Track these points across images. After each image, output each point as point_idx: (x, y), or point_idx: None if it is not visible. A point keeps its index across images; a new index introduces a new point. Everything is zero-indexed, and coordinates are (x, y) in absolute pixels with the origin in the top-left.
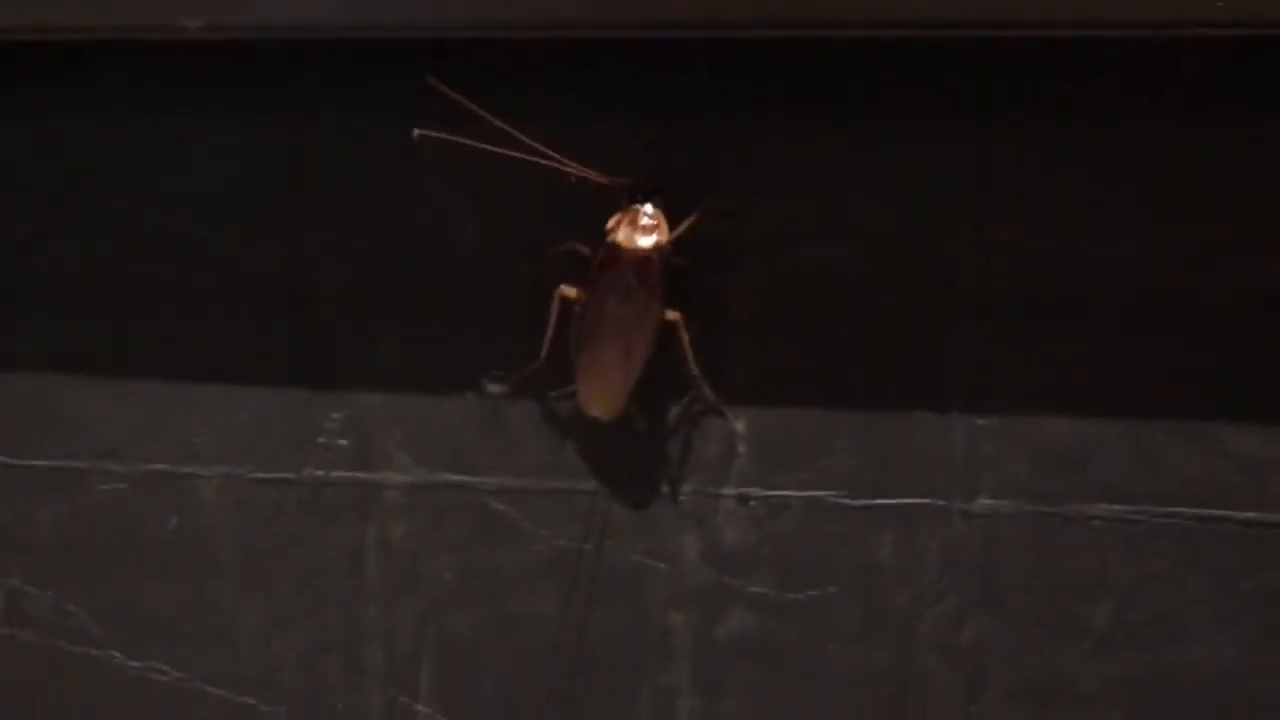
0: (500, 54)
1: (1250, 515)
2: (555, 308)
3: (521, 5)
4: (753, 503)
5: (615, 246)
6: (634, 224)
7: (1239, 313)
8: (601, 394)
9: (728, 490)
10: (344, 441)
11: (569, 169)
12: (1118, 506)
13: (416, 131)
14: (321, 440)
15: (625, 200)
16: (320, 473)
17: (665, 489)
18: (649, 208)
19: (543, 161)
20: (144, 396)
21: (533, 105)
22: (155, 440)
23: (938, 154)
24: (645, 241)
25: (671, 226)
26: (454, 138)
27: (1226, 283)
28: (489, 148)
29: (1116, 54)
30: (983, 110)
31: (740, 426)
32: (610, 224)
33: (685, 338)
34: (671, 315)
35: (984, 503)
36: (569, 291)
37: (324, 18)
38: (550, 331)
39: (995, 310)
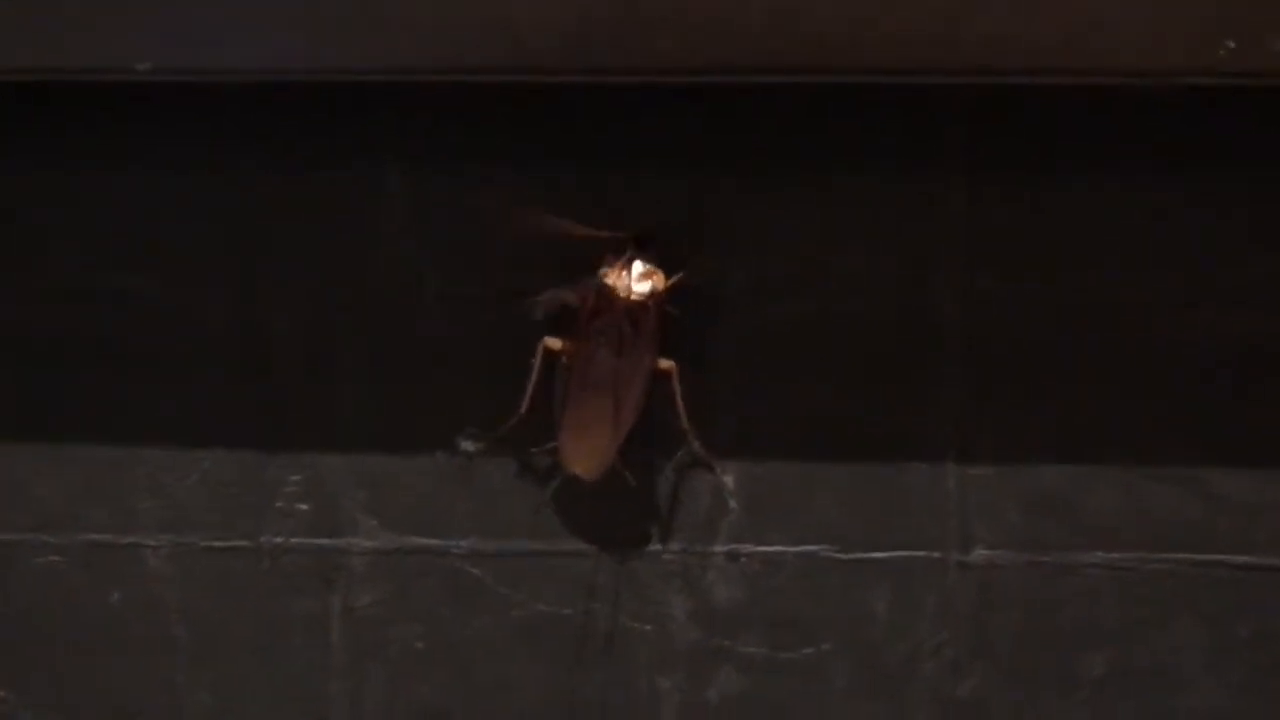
0: (470, 99)
1: (1243, 559)
2: (539, 359)
3: (494, 50)
4: (743, 559)
5: (610, 293)
6: (630, 270)
7: (1226, 359)
8: (588, 451)
9: (717, 547)
10: (304, 505)
11: (579, 231)
12: (1111, 554)
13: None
14: (279, 505)
15: (627, 249)
16: (279, 539)
17: (651, 548)
18: (642, 255)
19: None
20: (81, 461)
21: (499, 152)
22: (94, 509)
23: (924, 204)
24: (643, 288)
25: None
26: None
27: (1214, 330)
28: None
29: (1104, 102)
30: (969, 160)
31: (730, 481)
32: (603, 270)
33: (678, 389)
34: (665, 365)
35: (980, 553)
36: (554, 343)
37: (282, 61)
38: (532, 385)
39: (984, 360)
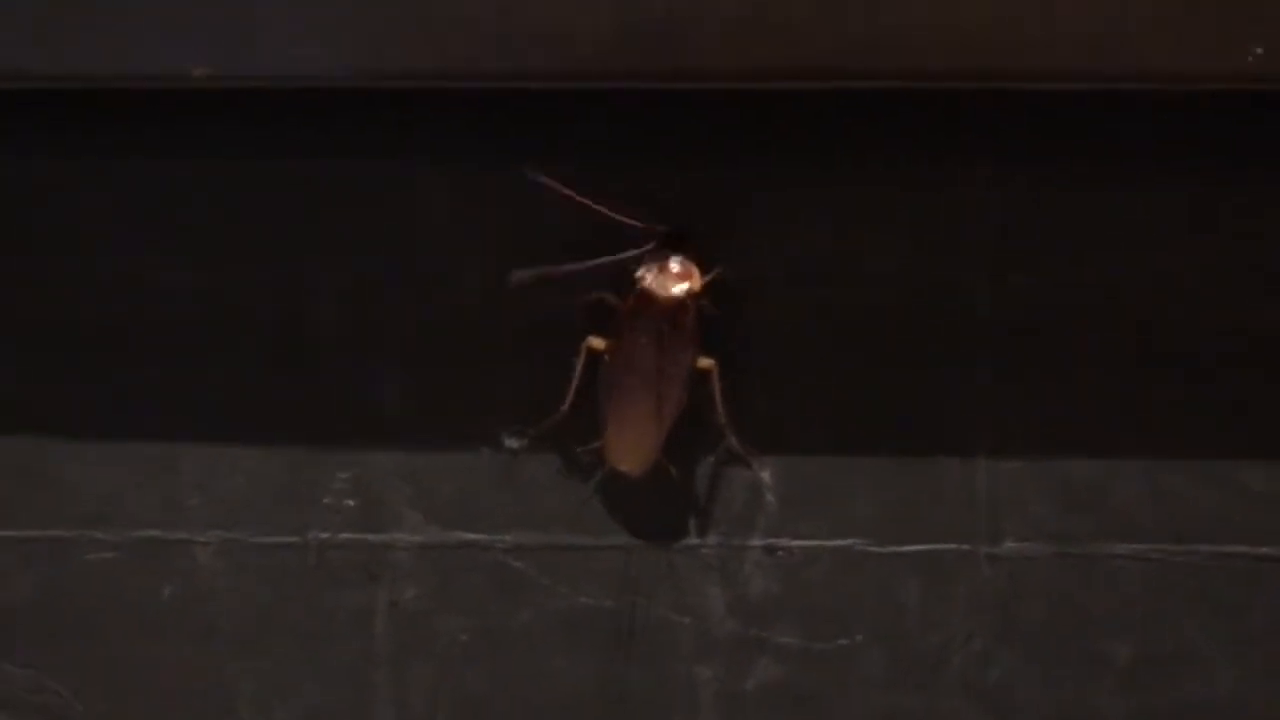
0: (508, 100)
1: (1264, 550)
2: (582, 359)
3: (532, 54)
4: (780, 553)
5: (647, 294)
6: (665, 271)
7: (1251, 351)
8: (633, 447)
9: (754, 541)
10: (350, 501)
11: (620, 218)
12: (1137, 545)
13: (538, 177)
14: (326, 501)
15: (657, 246)
16: (325, 535)
17: (689, 541)
18: (678, 252)
19: (603, 211)
20: (132, 458)
21: (536, 152)
22: (145, 504)
23: (955, 197)
24: (679, 288)
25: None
26: (547, 271)
27: (1238, 323)
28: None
29: (1133, 98)
30: (999, 152)
31: (767, 476)
32: (640, 271)
33: (718, 386)
34: (705, 363)
35: (1009, 545)
36: (597, 343)
37: (328, 68)
38: (575, 382)
39: (1014, 354)
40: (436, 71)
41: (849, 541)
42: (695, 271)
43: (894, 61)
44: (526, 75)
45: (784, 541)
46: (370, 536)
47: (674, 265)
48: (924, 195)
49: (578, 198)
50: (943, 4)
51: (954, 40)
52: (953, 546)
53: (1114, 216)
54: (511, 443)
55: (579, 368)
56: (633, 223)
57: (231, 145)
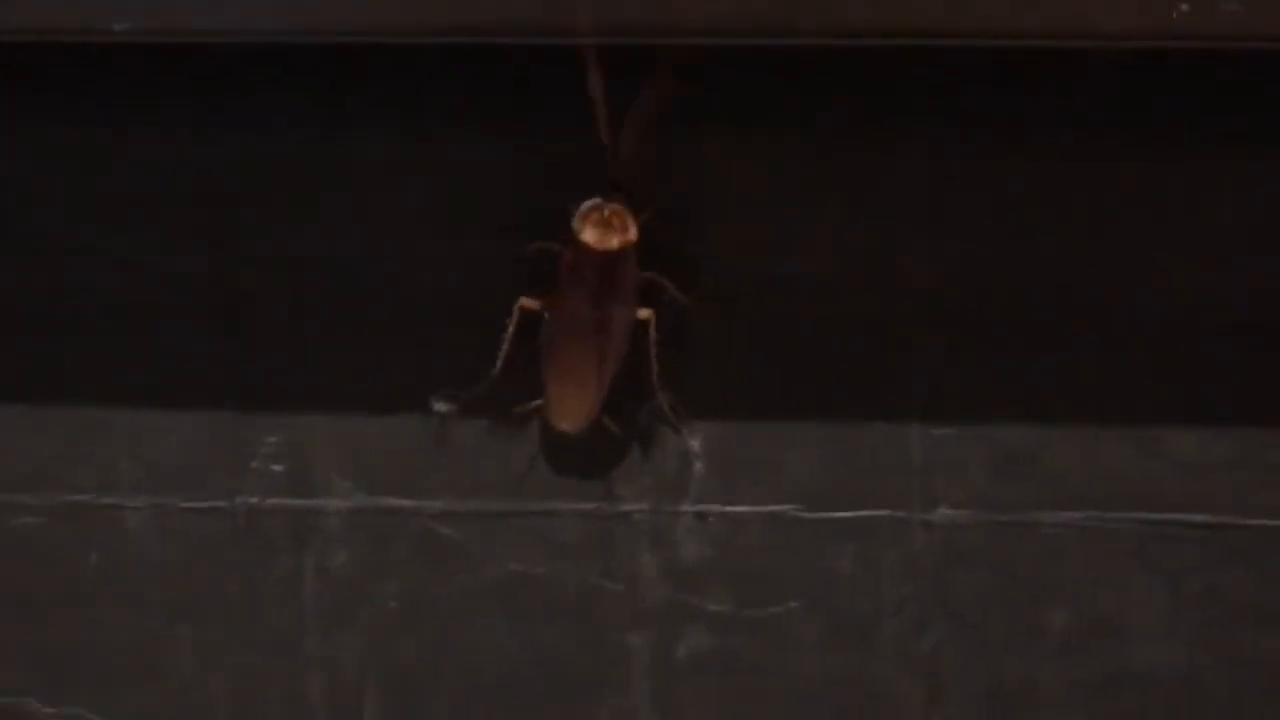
0: (448, 60)
1: (1197, 518)
2: (515, 320)
3: (477, 10)
4: (711, 519)
5: (585, 247)
6: (600, 223)
7: (1183, 320)
8: (574, 405)
9: (685, 507)
10: (279, 466)
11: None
12: (1070, 513)
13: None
14: (255, 465)
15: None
16: (254, 500)
17: (622, 507)
18: (611, 204)
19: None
20: (60, 422)
21: (475, 113)
22: (73, 469)
23: (889, 168)
24: (615, 240)
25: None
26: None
27: (1171, 291)
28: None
29: (1066, 65)
30: (931, 122)
31: (695, 444)
32: (576, 223)
33: (653, 337)
34: (643, 313)
35: (943, 512)
36: (530, 304)
37: (260, 22)
38: (506, 345)
39: (949, 322)
40: (373, 27)
41: (782, 507)
42: (631, 223)
43: (826, 18)
44: (460, 30)
45: (716, 507)
46: (299, 502)
47: (610, 218)
48: (858, 163)
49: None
50: None
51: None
52: (886, 513)
53: (1047, 184)
54: (441, 407)
55: (511, 329)
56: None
57: (161, 108)
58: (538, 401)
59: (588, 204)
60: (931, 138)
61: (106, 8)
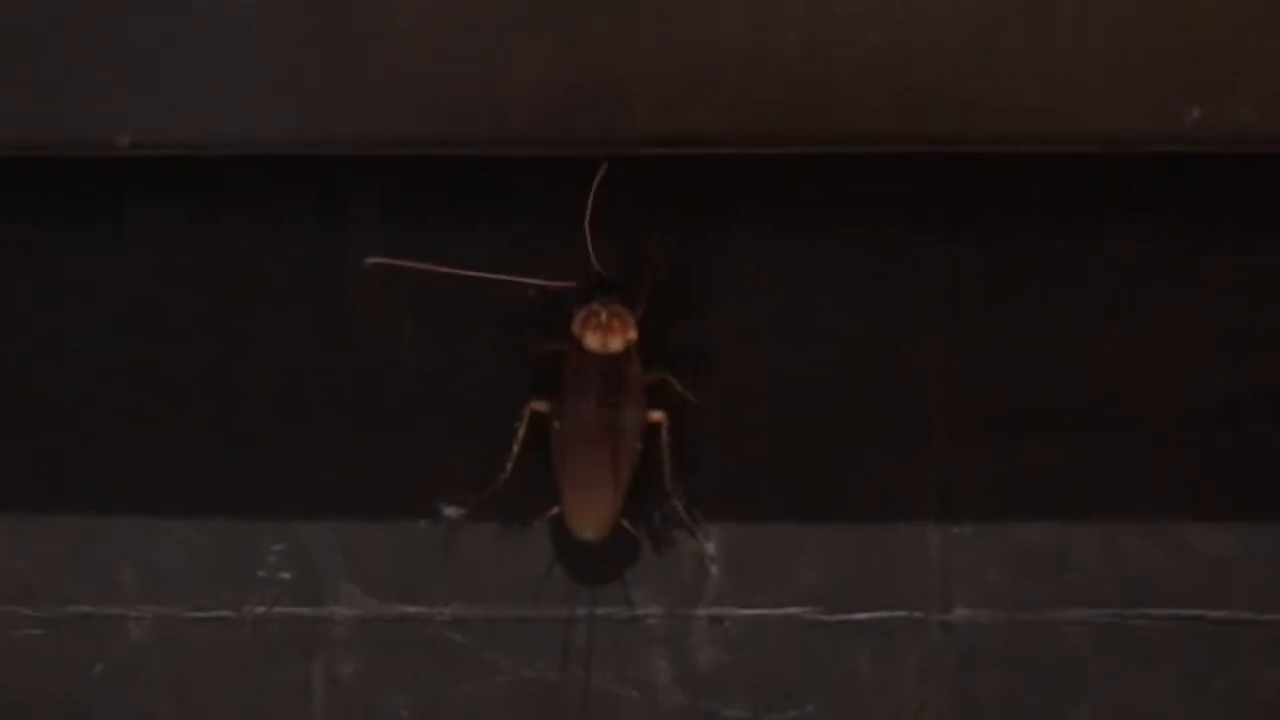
0: (446, 163)
1: (1220, 614)
2: (525, 423)
3: (474, 124)
4: (727, 623)
5: (586, 352)
6: (599, 326)
7: (1201, 417)
8: (593, 512)
9: (700, 611)
10: (286, 574)
11: (524, 282)
12: (1091, 610)
13: (369, 261)
14: (261, 574)
15: (580, 300)
16: (261, 609)
17: (635, 611)
18: (610, 306)
19: (494, 278)
20: (60, 530)
21: (474, 214)
22: (76, 578)
23: (905, 261)
24: (615, 343)
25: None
26: (407, 264)
27: (1189, 384)
28: (441, 269)
29: (1085, 166)
30: (950, 217)
31: (711, 548)
32: (575, 328)
33: (666, 441)
34: (655, 416)
35: (961, 612)
36: (540, 407)
37: (260, 135)
38: (516, 449)
39: (965, 418)
40: (370, 138)
41: (798, 610)
42: (632, 322)
43: (843, 126)
44: (464, 142)
45: (731, 610)
46: (307, 610)
47: (610, 320)
48: (874, 259)
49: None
50: (890, 70)
51: (902, 105)
52: (904, 614)
53: (1064, 279)
54: (450, 512)
55: (521, 432)
56: (550, 285)
57: (159, 214)
58: (555, 509)
59: (586, 308)
60: (948, 231)
61: (111, 123)
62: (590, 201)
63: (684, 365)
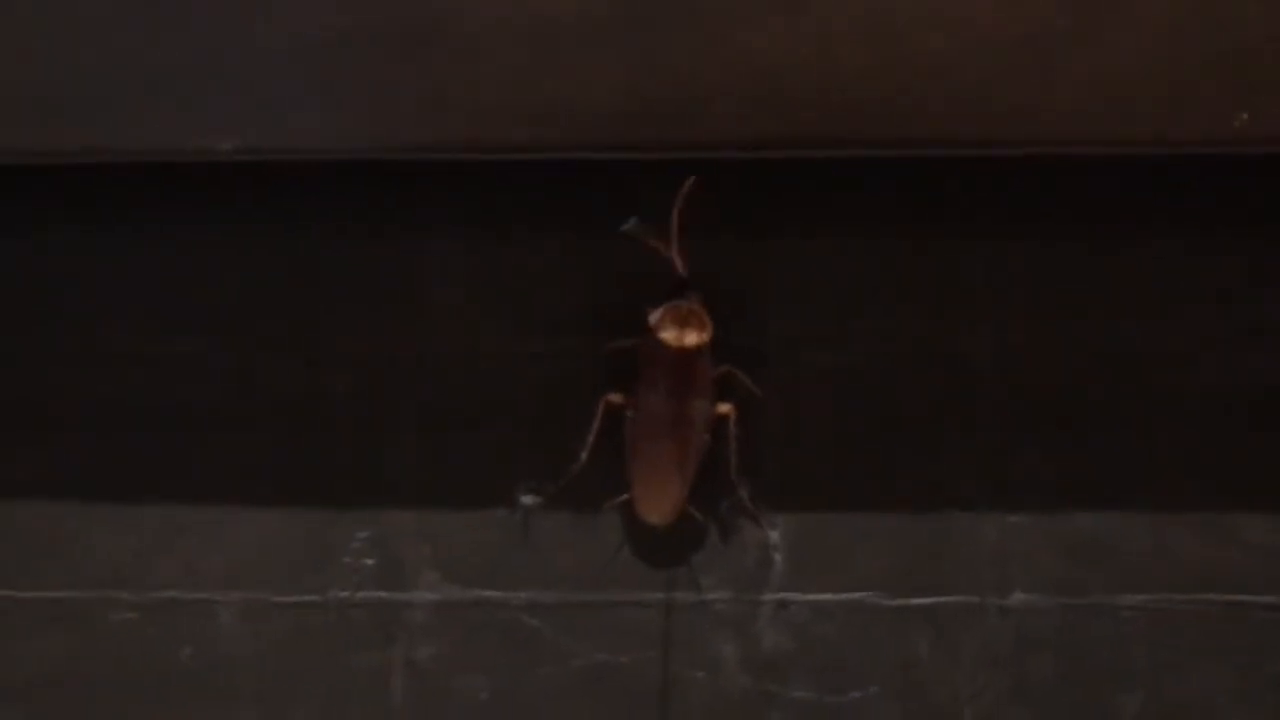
0: (521, 169)
1: (1269, 599)
2: (600, 415)
3: (539, 127)
4: (792, 608)
5: (662, 345)
6: (678, 321)
7: (1250, 403)
8: (660, 499)
9: (766, 596)
10: (369, 560)
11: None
12: (1143, 597)
13: (627, 224)
14: (345, 560)
15: (664, 296)
16: (345, 594)
17: (703, 597)
18: (689, 302)
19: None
20: (152, 520)
21: (546, 216)
22: (166, 565)
23: (957, 258)
24: (692, 338)
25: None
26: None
27: (1237, 374)
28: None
29: (1129, 162)
30: (1000, 216)
31: (775, 536)
32: (652, 321)
33: (733, 433)
34: (723, 408)
35: (1017, 597)
36: (615, 399)
37: (350, 142)
38: (592, 438)
39: (1017, 410)
40: (451, 144)
41: (860, 595)
42: (708, 320)
43: (903, 131)
44: (539, 147)
45: (795, 596)
46: (388, 595)
47: (688, 315)
48: (927, 259)
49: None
50: (947, 75)
51: (959, 110)
52: (961, 599)
53: (1111, 275)
54: (528, 500)
55: (596, 423)
56: (676, 262)
57: (245, 217)
58: (624, 496)
59: (666, 303)
60: (996, 229)
61: (214, 130)
62: (676, 210)
63: (747, 361)
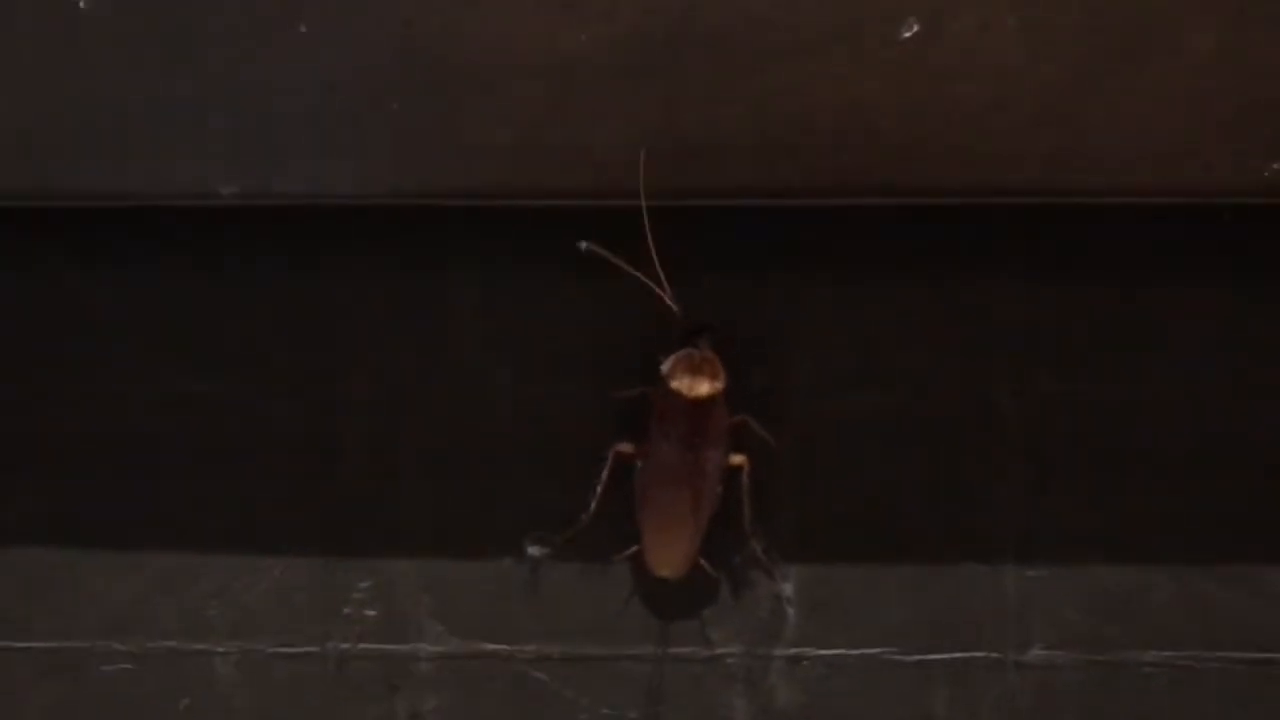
0: (536, 214)
1: None
2: (609, 464)
3: (558, 173)
4: (805, 663)
5: (675, 394)
6: (690, 369)
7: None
8: (672, 552)
9: (778, 651)
10: (371, 611)
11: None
12: (1168, 653)
13: (583, 244)
14: (347, 611)
15: (676, 343)
16: (346, 645)
17: (714, 651)
18: (702, 350)
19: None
20: (150, 567)
21: (563, 258)
22: (164, 614)
23: (980, 305)
24: (705, 388)
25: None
26: (614, 258)
27: (1267, 428)
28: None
29: (1157, 210)
30: (1026, 257)
31: (788, 589)
32: (665, 370)
33: (746, 485)
34: (737, 459)
35: (1037, 653)
36: (626, 449)
37: (353, 186)
38: (600, 489)
39: (1041, 458)
40: (463, 190)
41: (876, 650)
42: (721, 370)
43: (931, 179)
44: (555, 193)
45: (809, 650)
46: (391, 647)
47: (701, 365)
48: (949, 303)
49: (624, 266)
50: (979, 123)
51: (990, 158)
52: (981, 654)
53: (1139, 325)
54: (534, 551)
55: (605, 473)
56: (667, 301)
57: (256, 260)
58: (634, 547)
59: (679, 352)
60: (1023, 278)
61: (215, 173)
62: (651, 252)
63: (763, 408)
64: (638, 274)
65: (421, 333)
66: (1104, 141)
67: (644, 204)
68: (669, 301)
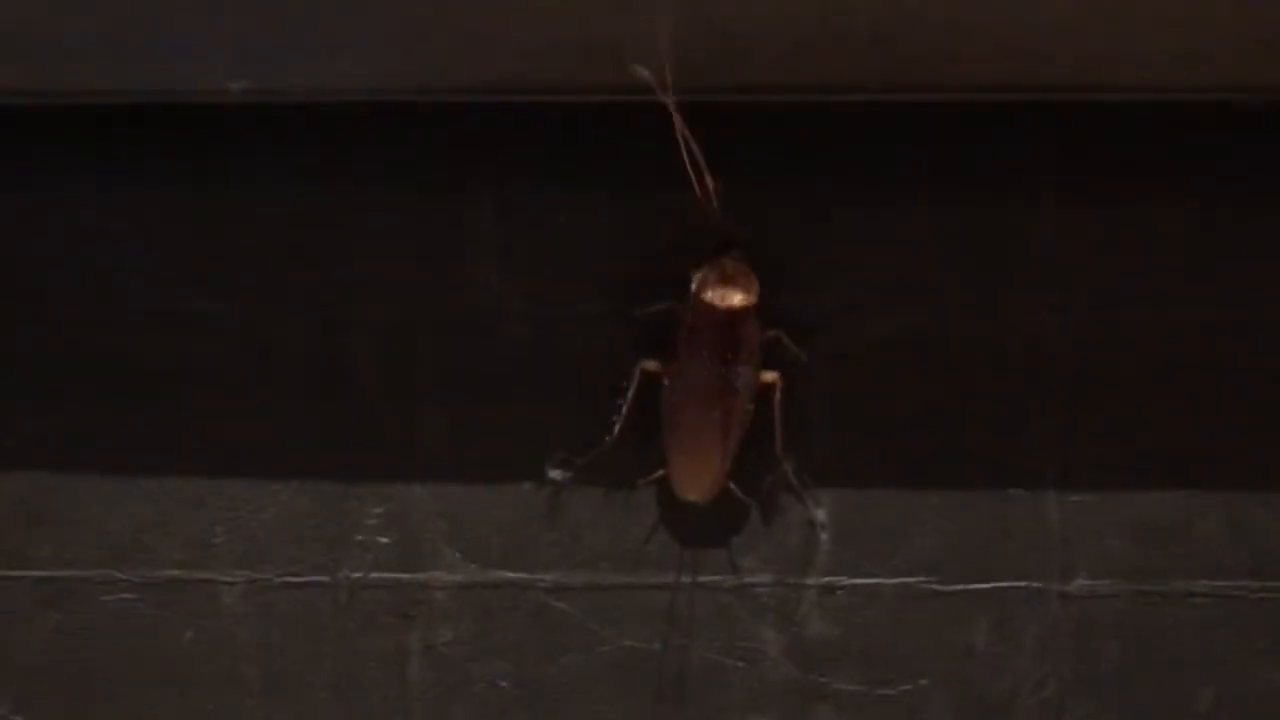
0: (553, 120)
1: None
2: (634, 383)
3: (594, 69)
4: (839, 592)
5: (707, 307)
6: (722, 280)
7: None
8: (700, 474)
9: (811, 580)
10: (384, 539)
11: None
12: (1215, 582)
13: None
14: (359, 538)
15: (711, 256)
16: (358, 574)
17: (743, 580)
18: (734, 261)
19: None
20: (153, 494)
21: (582, 173)
22: (167, 543)
23: (1020, 223)
24: (738, 298)
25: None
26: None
27: None
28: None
29: (1205, 121)
30: (1065, 178)
31: (821, 515)
32: (695, 284)
33: (778, 403)
34: (769, 376)
35: (1081, 583)
36: (652, 366)
37: (372, 82)
38: (625, 409)
39: (1083, 383)
40: (480, 85)
41: (912, 579)
42: (754, 280)
43: (964, 74)
44: (579, 89)
45: (843, 580)
46: (405, 575)
47: (734, 275)
48: (989, 225)
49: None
50: (1013, 19)
51: (1026, 54)
52: (1022, 584)
53: (1184, 244)
54: (556, 474)
55: (631, 392)
56: (710, 197)
57: (264, 172)
58: (660, 471)
59: (710, 262)
60: (1062, 193)
61: (223, 68)
62: (685, 150)
63: (797, 327)
64: (690, 158)
65: (435, 246)
66: (1136, 39)
67: (671, 100)
68: (711, 198)
